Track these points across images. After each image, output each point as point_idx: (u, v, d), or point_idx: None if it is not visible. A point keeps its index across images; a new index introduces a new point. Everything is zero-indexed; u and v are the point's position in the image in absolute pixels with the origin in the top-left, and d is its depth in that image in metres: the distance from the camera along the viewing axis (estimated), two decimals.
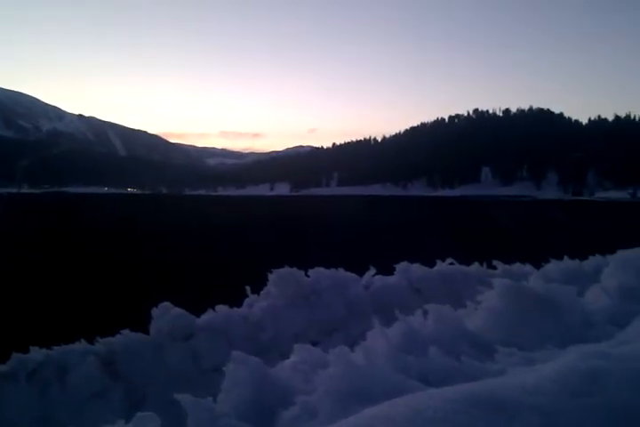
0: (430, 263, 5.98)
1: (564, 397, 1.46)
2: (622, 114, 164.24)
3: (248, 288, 4.84)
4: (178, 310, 4.28)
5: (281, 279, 4.71)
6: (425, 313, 2.66)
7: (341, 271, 5.33)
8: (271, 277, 4.75)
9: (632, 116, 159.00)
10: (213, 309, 4.51)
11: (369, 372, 1.85)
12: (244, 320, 4.45)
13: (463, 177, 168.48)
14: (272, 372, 2.19)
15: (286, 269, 4.78)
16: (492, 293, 2.66)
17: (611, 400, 1.49)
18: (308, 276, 5.02)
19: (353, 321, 4.87)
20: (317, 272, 5.02)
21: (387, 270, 5.81)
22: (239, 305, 4.79)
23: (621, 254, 3.88)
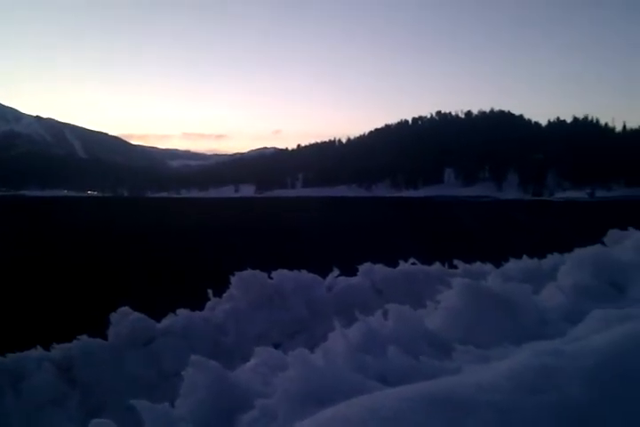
0: (393, 264, 6.03)
1: (519, 394, 1.48)
2: (580, 116, 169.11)
3: (210, 291, 4.78)
4: (137, 315, 4.20)
5: (243, 282, 4.67)
6: (385, 313, 2.68)
7: (304, 273, 5.33)
8: (234, 279, 4.71)
9: (590, 118, 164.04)
10: (174, 312, 4.44)
11: (327, 373, 1.84)
12: (206, 324, 4.40)
13: (426, 178, 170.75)
14: (231, 375, 2.17)
15: (249, 272, 4.75)
16: (451, 292, 2.70)
17: (563, 397, 1.52)
18: (271, 278, 5.00)
19: (316, 322, 4.87)
20: (280, 274, 5.00)
21: (350, 271, 5.84)
22: (201, 309, 4.73)
23: (577, 253, 3.99)
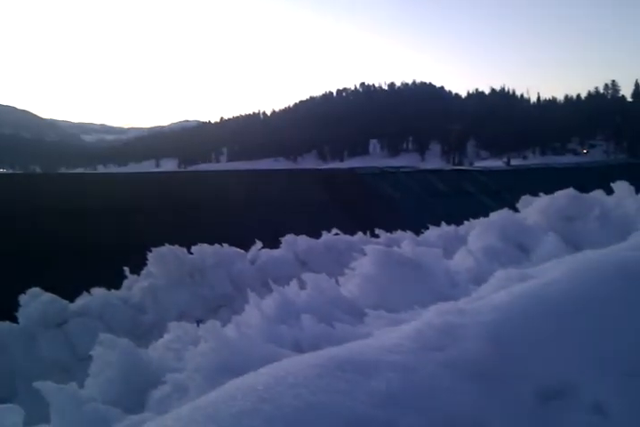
0: (317, 235, 6.10)
1: (421, 352, 1.54)
2: (497, 87, 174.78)
3: (126, 269, 4.63)
4: (48, 296, 4.01)
5: (161, 258, 4.55)
6: (303, 283, 2.70)
7: (226, 247, 5.27)
8: (151, 256, 4.57)
9: (506, 90, 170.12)
10: (89, 292, 4.27)
11: (240, 345, 1.84)
12: (124, 303, 4.27)
13: (352, 150, 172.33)
14: (143, 353, 2.12)
15: (167, 247, 4.63)
16: (365, 259, 2.75)
17: (463, 352, 1.60)
18: (191, 253, 4.90)
19: (240, 296, 4.84)
20: (200, 249, 4.91)
21: (273, 244, 5.84)
22: (118, 287, 4.58)
23: (486, 218, 4.18)
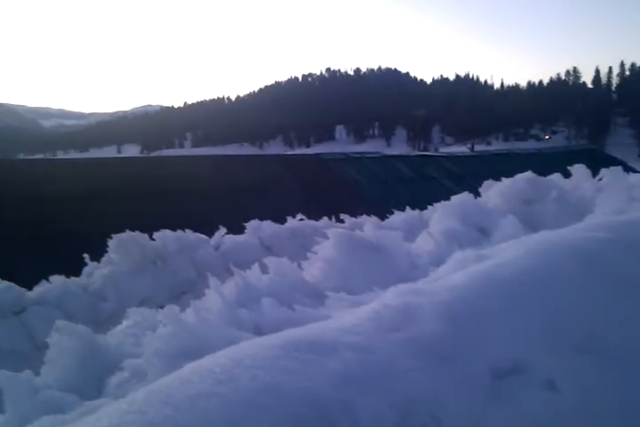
0: (282, 220, 6.09)
1: (378, 333, 1.56)
2: (462, 73, 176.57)
3: (86, 256, 4.54)
4: (5, 284, 3.90)
5: (123, 244, 4.47)
6: (267, 267, 2.70)
7: (189, 233, 5.21)
8: (111, 242, 4.49)
9: (470, 76, 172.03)
10: (47, 280, 4.17)
11: (199, 329, 1.82)
12: (83, 290, 4.19)
13: (318, 135, 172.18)
14: (101, 339, 2.09)
15: (128, 234, 4.55)
16: (328, 242, 2.76)
17: (420, 332, 1.62)
18: (153, 239, 4.83)
19: (203, 283, 4.81)
20: (163, 235, 4.85)
21: (238, 230, 5.81)
22: (77, 275, 4.48)
23: (447, 202, 4.24)
